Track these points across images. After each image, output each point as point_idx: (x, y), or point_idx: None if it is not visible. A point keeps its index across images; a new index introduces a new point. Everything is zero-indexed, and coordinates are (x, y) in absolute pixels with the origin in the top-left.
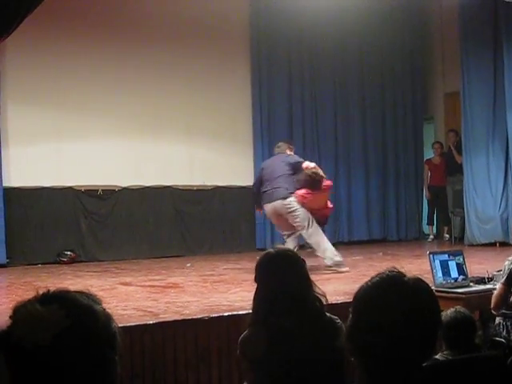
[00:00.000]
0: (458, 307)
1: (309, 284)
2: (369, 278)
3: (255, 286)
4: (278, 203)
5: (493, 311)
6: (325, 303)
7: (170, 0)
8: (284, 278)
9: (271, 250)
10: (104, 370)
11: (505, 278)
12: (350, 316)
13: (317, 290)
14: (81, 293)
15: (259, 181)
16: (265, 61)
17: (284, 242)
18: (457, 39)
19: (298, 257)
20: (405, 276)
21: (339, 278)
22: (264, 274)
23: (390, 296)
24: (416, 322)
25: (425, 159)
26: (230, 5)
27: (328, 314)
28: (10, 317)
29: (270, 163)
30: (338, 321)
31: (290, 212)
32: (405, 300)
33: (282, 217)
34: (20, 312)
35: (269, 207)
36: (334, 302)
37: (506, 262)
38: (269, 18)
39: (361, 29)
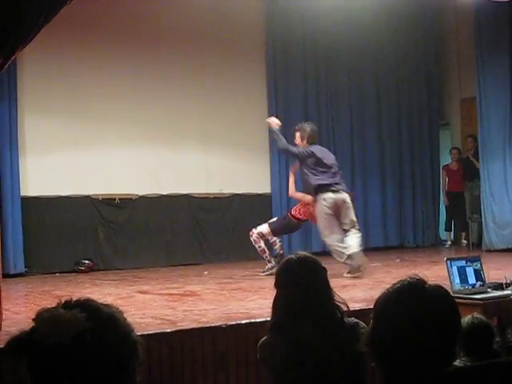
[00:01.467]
0: (475, 314)
1: (329, 292)
2: (390, 285)
3: (275, 291)
4: (346, 196)
5: None
6: (346, 310)
7: (185, 9)
8: (304, 285)
9: (293, 256)
10: (123, 376)
11: None
12: (371, 321)
13: (337, 298)
14: (103, 304)
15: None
16: (280, 68)
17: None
18: (472, 44)
19: (319, 264)
20: (426, 283)
21: (356, 284)
22: (284, 280)
23: (410, 302)
24: (436, 328)
25: (442, 165)
26: (244, 11)
27: (352, 319)
28: (33, 319)
29: (324, 151)
30: (363, 325)
31: (350, 207)
32: (425, 306)
33: (337, 211)
34: (43, 314)
35: (339, 197)
36: (351, 309)
37: None
38: (284, 25)
39: (376, 35)
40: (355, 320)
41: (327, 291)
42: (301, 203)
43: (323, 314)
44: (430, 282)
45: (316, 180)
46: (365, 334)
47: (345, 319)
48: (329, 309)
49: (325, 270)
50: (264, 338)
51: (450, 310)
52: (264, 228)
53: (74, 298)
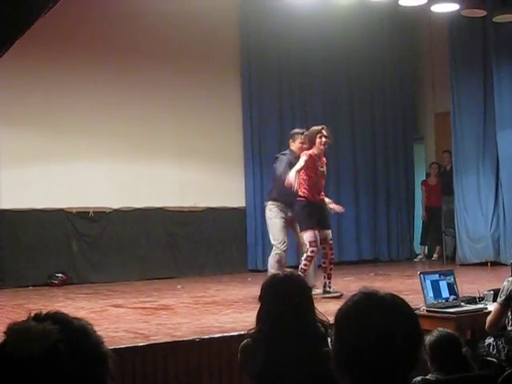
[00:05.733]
0: (440, 328)
1: (312, 310)
2: (346, 300)
3: (259, 304)
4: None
5: (487, 330)
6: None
7: (160, 22)
8: (288, 301)
9: (280, 272)
10: None
11: (503, 298)
12: (333, 337)
13: (320, 316)
14: (73, 317)
15: None
16: (255, 82)
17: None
18: (446, 59)
19: (304, 282)
20: (378, 292)
21: (329, 298)
22: (269, 296)
23: (368, 313)
24: (394, 337)
25: (420, 180)
26: (219, 25)
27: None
28: (4, 333)
29: None
30: None
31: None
32: (383, 315)
33: None
34: (13, 327)
35: None
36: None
37: (506, 283)
38: (259, 40)
39: (350, 50)
40: None
41: (310, 308)
42: None
43: (305, 328)
44: (382, 292)
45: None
46: (330, 351)
47: (329, 334)
48: (311, 324)
49: (309, 288)
50: (246, 340)
51: (407, 314)
52: None
53: (44, 311)
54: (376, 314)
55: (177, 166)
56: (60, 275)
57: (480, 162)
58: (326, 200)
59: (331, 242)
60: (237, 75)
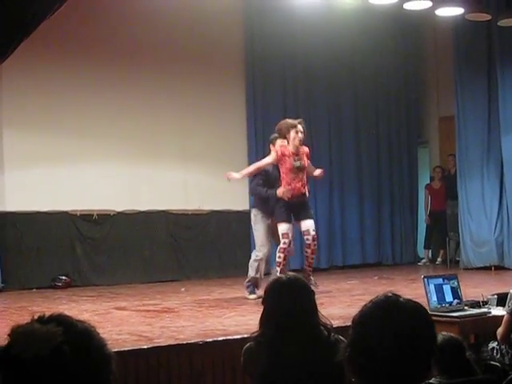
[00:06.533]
0: (444, 332)
1: (315, 313)
2: (367, 302)
3: (262, 307)
4: None
5: (501, 342)
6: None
7: (165, 24)
8: (290, 305)
9: (283, 275)
10: None
11: (511, 307)
12: (349, 338)
13: (323, 319)
14: (76, 319)
15: None
16: (259, 85)
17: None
18: (451, 63)
19: (307, 286)
20: (400, 297)
21: (333, 302)
22: (272, 299)
23: (386, 316)
24: (412, 344)
25: (424, 184)
26: (224, 27)
27: (336, 336)
28: (8, 335)
29: None
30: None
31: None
32: (400, 322)
33: None
34: (18, 330)
35: None
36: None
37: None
38: (263, 42)
39: (354, 54)
40: (340, 337)
41: (313, 311)
42: None
43: (308, 332)
44: (404, 298)
45: None
46: (343, 349)
47: (332, 337)
48: (314, 327)
49: (312, 291)
50: (249, 343)
51: (425, 322)
52: None
53: (48, 314)
54: (390, 318)
55: (181, 169)
56: (64, 278)
57: (484, 166)
58: (316, 172)
59: (313, 232)
60: (241, 78)
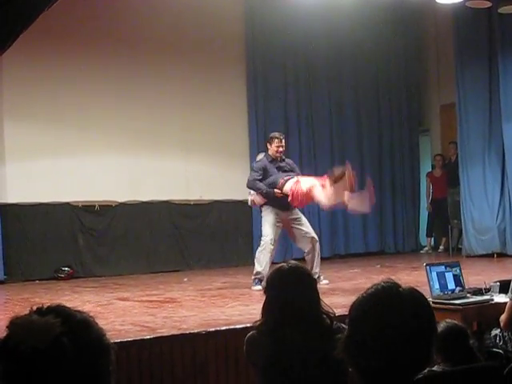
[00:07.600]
0: (448, 320)
1: (317, 301)
2: (364, 290)
3: (264, 296)
4: None
5: (504, 329)
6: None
7: (165, 16)
8: (293, 293)
9: (284, 264)
10: (98, 379)
11: None
12: (347, 327)
13: (326, 308)
14: (75, 310)
15: None
16: (260, 75)
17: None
18: (452, 51)
19: (309, 274)
20: (400, 286)
21: (336, 291)
22: (274, 288)
23: (385, 305)
24: (411, 332)
25: (425, 172)
26: (225, 20)
27: (339, 324)
28: (7, 327)
29: None
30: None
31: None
32: (400, 310)
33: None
34: (16, 321)
35: None
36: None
37: None
38: (264, 33)
39: (355, 42)
40: (342, 325)
41: (316, 299)
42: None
43: (311, 320)
44: (404, 286)
45: None
46: (342, 339)
47: (334, 325)
48: (317, 315)
49: (314, 280)
50: (251, 332)
51: (425, 311)
52: None
53: (46, 305)
54: (390, 307)
55: (182, 159)
56: (66, 269)
57: (486, 153)
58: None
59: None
60: (242, 69)
